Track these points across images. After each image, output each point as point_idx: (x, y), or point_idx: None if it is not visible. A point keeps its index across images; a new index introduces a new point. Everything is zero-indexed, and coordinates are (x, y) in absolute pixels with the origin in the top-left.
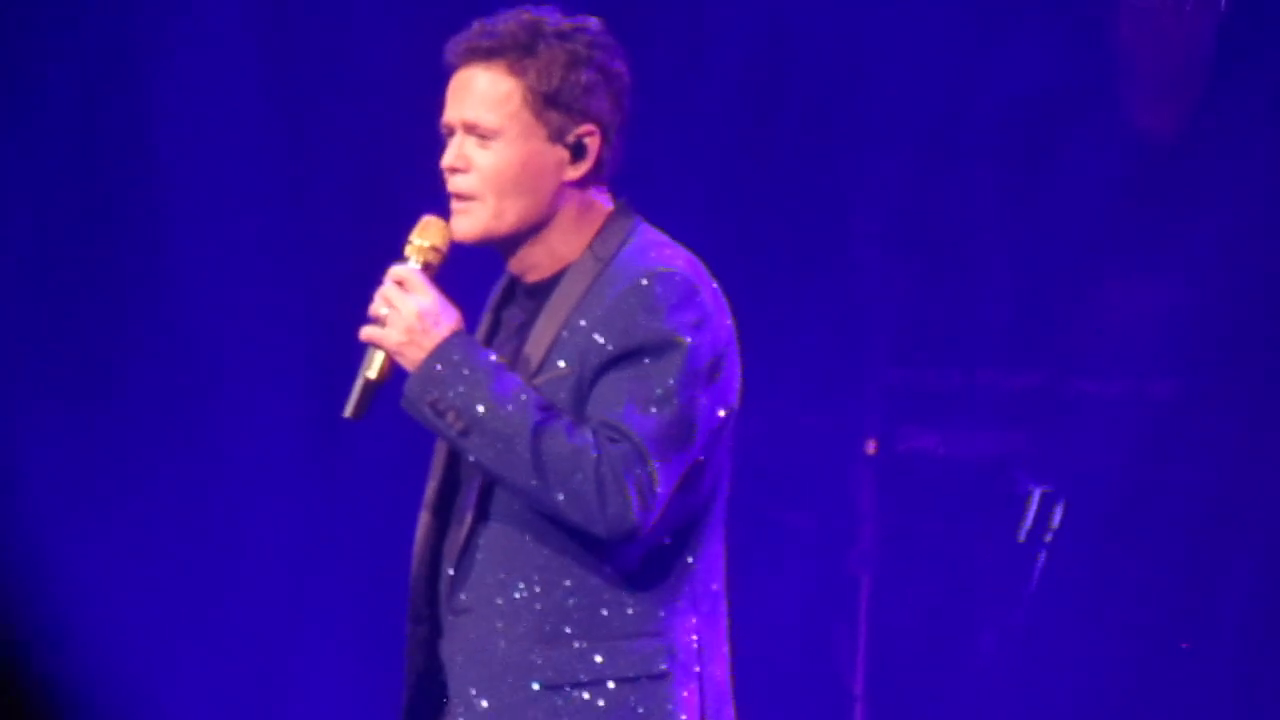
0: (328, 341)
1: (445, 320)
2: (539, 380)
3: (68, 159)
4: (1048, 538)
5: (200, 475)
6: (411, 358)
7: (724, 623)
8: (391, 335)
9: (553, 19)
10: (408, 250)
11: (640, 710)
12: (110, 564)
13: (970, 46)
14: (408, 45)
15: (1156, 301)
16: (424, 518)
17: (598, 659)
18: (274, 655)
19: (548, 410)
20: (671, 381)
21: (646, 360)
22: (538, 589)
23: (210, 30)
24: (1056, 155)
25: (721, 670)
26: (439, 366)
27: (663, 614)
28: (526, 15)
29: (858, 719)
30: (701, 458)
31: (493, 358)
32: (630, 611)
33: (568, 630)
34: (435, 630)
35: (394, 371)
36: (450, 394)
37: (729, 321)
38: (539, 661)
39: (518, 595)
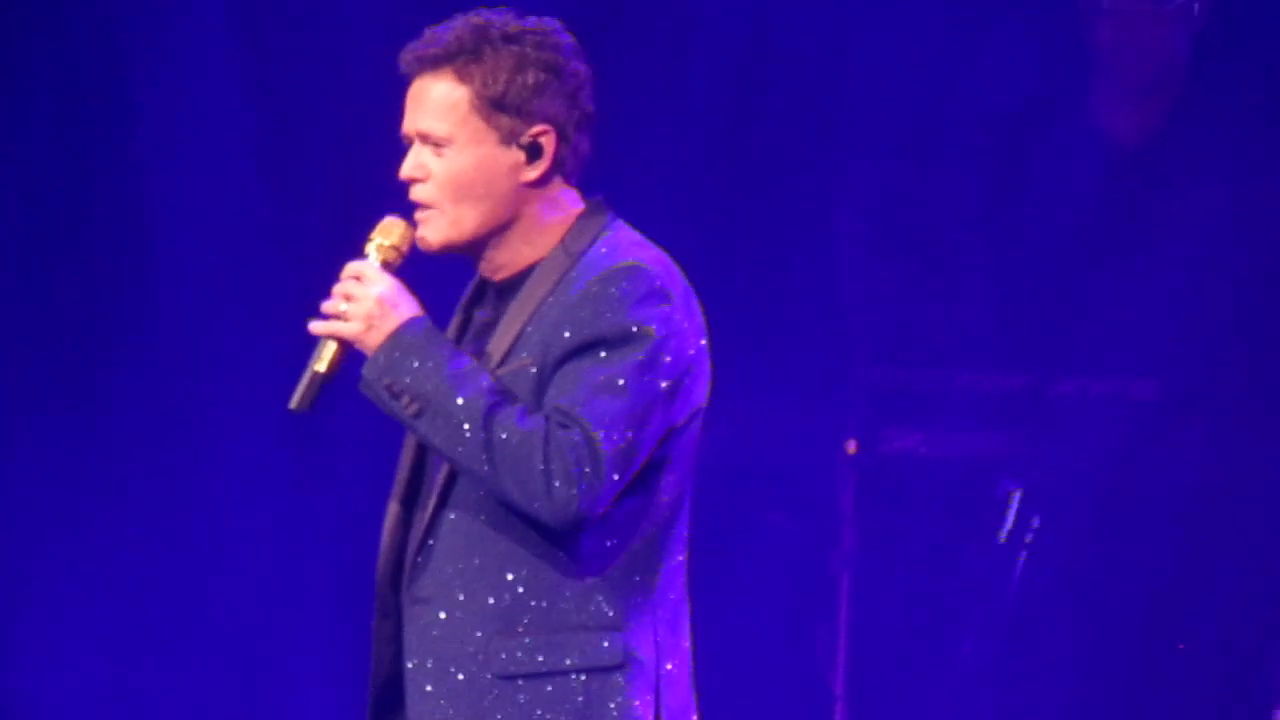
0: (312, 342)
1: (404, 306)
2: (502, 372)
3: (51, 160)
4: (1028, 538)
5: (181, 474)
6: (370, 342)
7: (686, 627)
8: (351, 325)
9: (501, 21)
10: (367, 248)
11: (589, 703)
12: (90, 561)
13: (953, 48)
14: (393, 45)
15: (1138, 303)
16: (392, 508)
17: (551, 650)
18: (253, 654)
19: (501, 395)
20: (627, 371)
21: (605, 351)
22: (494, 579)
23: (194, 31)
24: (1039, 157)
25: (683, 677)
26: (396, 350)
27: (620, 610)
28: (475, 19)
29: (838, 718)
30: (664, 456)
31: (450, 344)
32: (586, 605)
33: (523, 620)
34: (399, 622)
35: (343, 365)
36: (405, 377)
37: (699, 321)
38: (493, 650)
39: (475, 584)
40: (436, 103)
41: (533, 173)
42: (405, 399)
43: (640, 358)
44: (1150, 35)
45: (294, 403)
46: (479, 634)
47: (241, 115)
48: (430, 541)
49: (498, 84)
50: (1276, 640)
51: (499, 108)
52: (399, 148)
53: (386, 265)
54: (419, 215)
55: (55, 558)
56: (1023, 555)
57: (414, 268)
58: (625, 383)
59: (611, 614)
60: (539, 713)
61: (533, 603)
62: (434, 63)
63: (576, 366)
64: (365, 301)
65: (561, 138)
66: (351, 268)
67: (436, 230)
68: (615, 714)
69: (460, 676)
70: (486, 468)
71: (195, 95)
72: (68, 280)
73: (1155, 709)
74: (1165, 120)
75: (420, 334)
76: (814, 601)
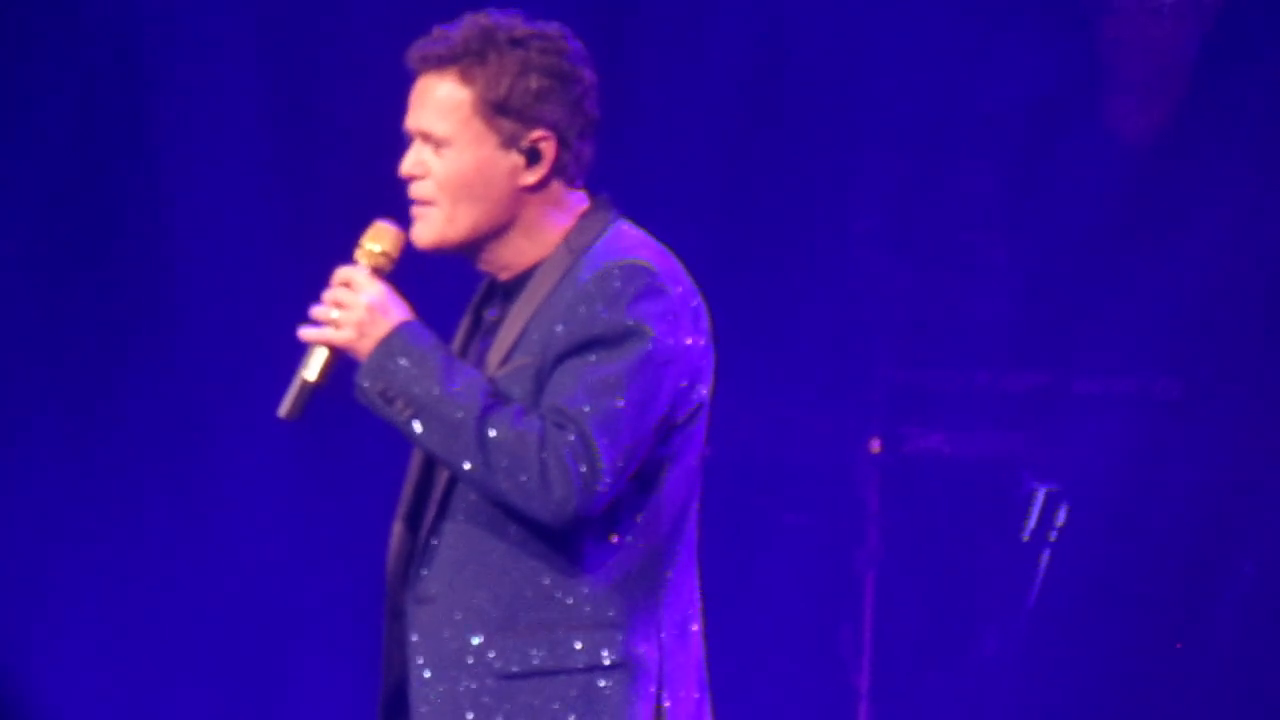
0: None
1: (395, 311)
2: (503, 371)
3: (67, 162)
4: (1052, 537)
5: (195, 479)
6: (362, 349)
7: (695, 626)
8: (342, 333)
9: (508, 25)
10: (357, 254)
11: (590, 702)
12: (105, 564)
13: (971, 46)
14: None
15: (1158, 301)
16: (396, 528)
17: (552, 649)
18: (267, 656)
19: (495, 396)
20: (624, 369)
21: (602, 349)
22: (496, 578)
23: (210, 31)
24: (1058, 155)
25: (690, 676)
26: (388, 356)
27: (622, 609)
28: (483, 21)
29: (862, 716)
30: (665, 454)
31: (443, 347)
32: (587, 604)
33: (524, 620)
34: (406, 624)
35: (333, 374)
36: (398, 381)
37: (701, 319)
38: (494, 649)
39: (476, 584)
40: (439, 103)
41: (531, 177)
42: (399, 404)
43: (637, 356)
44: (1163, 32)
45: (283, 410)
46: (481, 633)
47: (258, 116)
48: (434, 542)
49: (500, 88)
50: None
51: (501, 111)
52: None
53: (377, 271)
54: (415, 211)
55: (70, 561)
56: (1046, 553)
57: (412, 269)
58: (622, 381)
59: (613, 613)
60: (540, 712)
61: (534, 602)
62: (439, 62)
63: (573, 365)
64: (355, 309)
65: (562, 144)
66: (341, 274)
67: (431, 229)
68: (614, 711)
69: (463, 676)
70: (482, 469)
71: (212, 97)
72: (83, 283)
73: (1178, 706)
74: (1182, 117)
75: (412, 338)
76: (838, 600)
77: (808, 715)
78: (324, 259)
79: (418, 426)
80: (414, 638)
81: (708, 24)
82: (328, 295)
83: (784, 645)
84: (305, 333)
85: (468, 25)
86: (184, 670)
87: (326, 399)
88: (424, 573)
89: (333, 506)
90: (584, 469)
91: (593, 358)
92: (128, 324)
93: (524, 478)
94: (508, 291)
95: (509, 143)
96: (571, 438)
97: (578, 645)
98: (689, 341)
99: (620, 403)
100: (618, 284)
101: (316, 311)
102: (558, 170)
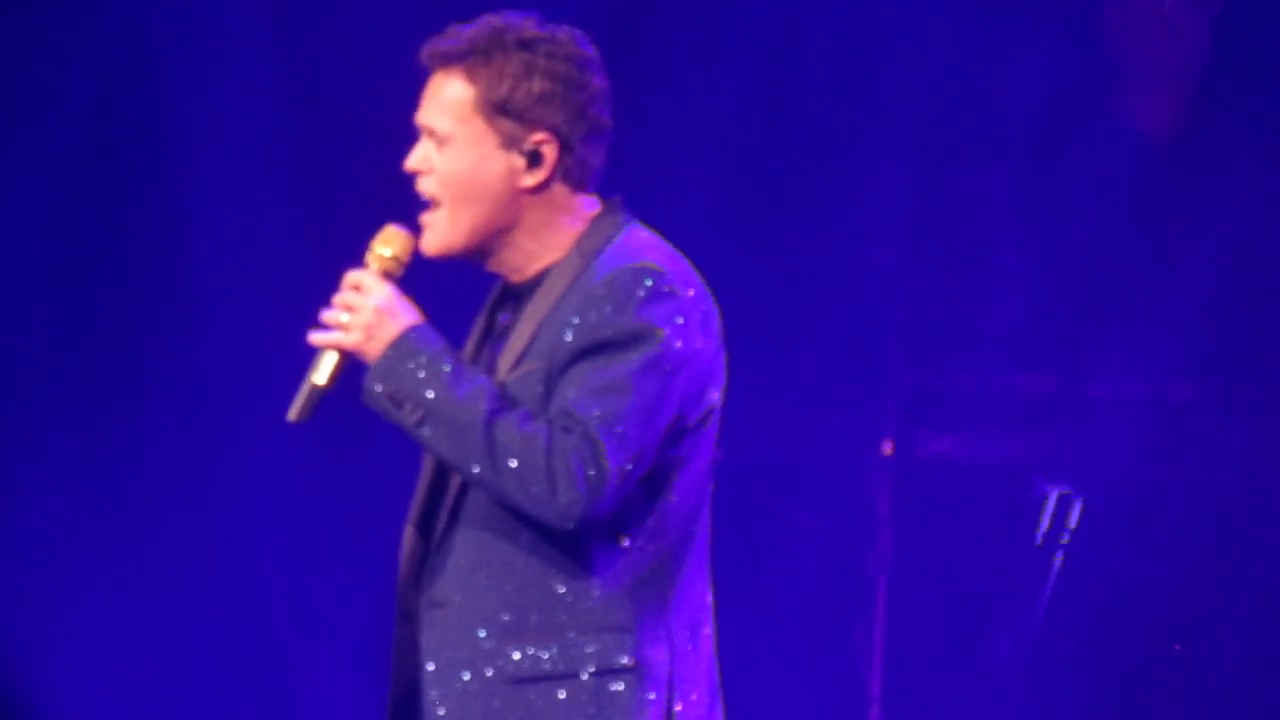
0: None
1: (404, 314)
2: (513, 376)
3: (82, 163)
4: (1064, 540)
5: (206, 483)
6: (370, 352)
7: (706, 630)
8: (351, 336)
9: (519, 27)
10: (368, 258)
11: (600, 706)
12: (116, 568)
13: (985, 47)
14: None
15: (1173, 303)
16: (408, 532)
17: (562, 653)
18: (275, 664)
19: (503, 400)
20: (632, 372)
21: (611, 352)
22: (506, 582)
23: (226, 29)
24: (1072, 157)
25: (700, 680)
26: (396, 359)
27: (632, 613)
28: (496, 22)
29: (874, 718)
30: (675, 458)
31: (451, 350)
32: (597, 608)
33: (534, 624)
34: (417, 628)
35: (341, 378)
36: (407, 385)
37: (713, 323)
38: (504, 653)
39: (487, 587)
40: (443, 100)
41: (531, 179)
42: (407, 407)
43: (646, 359)
44: (1177, 32)
45: (292, 414)
46: (491, 637)
47: (274, 118)
48: (445, 546)
49: (502, 88)
50: None
51: (502, 111)
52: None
53: (387, 275)
54: (423, 218)
55: (83, 563)
56: (1059, 557)
57: (424, 274)
58: (630, 384)
59: (623, 617)
60: (550, 715)
61: (545, 606)
62: (447, 60)
63: (583, 368)
64: (364, 312)
65: (564, 148)
66: (351, 278)
67: (435, 234)
68: (625, 714)
69: (473, 679)
70: (490, 473)
71: (227, 100)
72: (97, 284)
73: (1190, 710)
74: (1196, 119)
75: (420, 342)
76: (850, 603)
77: (819, 717)
78: (338, 263)
79: (425, 430)
80: (425, 641)
81: (721, 25)
82: (337, 299)
83: (795, 648)
84: (314, 337)
85: (480, 25)
86: (196, 673)
87: (340, 403)
88: (435, 577)
89: (345, 510)
90: (590, 472)
91: (601, 361)
92: (141, 326)
93: (530, 481)
94: (519, 295)
95: (509, 144)
96: (578, 441)
97: (588, 649)
98: (699, 345)
99: (628, 406)
100: (627, 287)
101: (326, 315)
102: (560, 174)
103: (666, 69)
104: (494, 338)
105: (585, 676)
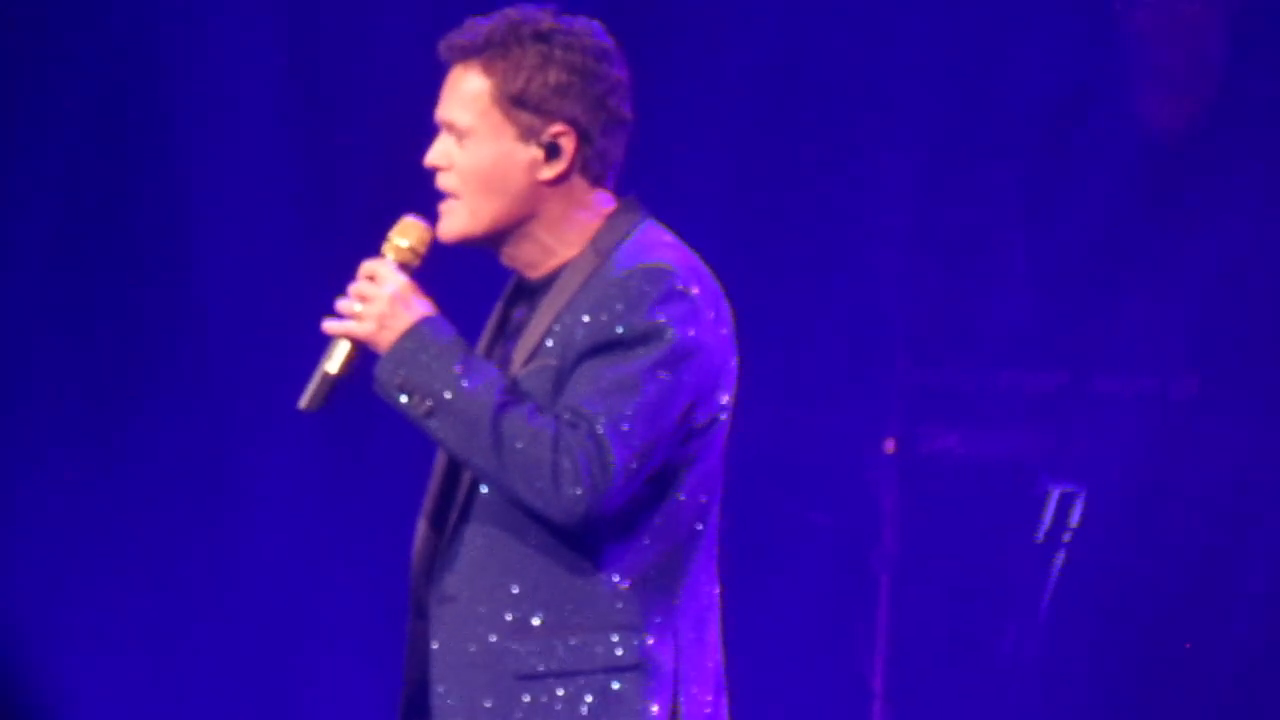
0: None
1: (417, 305)
2: (525, 372)
3: (89, 162)
4: (1067, 537)
5: (217, 478)
6: (382, 342)
7: (714, 629)
8: (364, 325)
9: (535, 19)
10: (384, 249)
11: (605, 703)
12: (126, 562)
13: (988, 44)
14: (431, 41)
15: (1177, 301)
16: (421, 526)
17: (568, 651)
18: (287, 659)
19: (512, 394)
20: (643, 371)
21: (622, 350)
22: (515, 579)
23: (234, 29)
24: (1076, 153)
25: (707, 678)
26: (408, 349)
27: (639, 611)
28: (513, 14)
29: (876, 716)
30: (685, 457)
31: (463, 343)
32: (605, 606)
33: (542, 621)
34: (428, 623)
35: (354, 367)
36: (417, 376)
37: (725, 323)
38: (512, 650)
39: (495, 584)
40: (462, 94)
41: (550, 171)
42: (417, 398)
43: (657, 358)
44: (1189, 23)
45: (304, 402)
46: (499, 633)
47: (283, 113)
48: (456, 542)
49: (519, 80)
50: None
51: (519, 104)
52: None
53: (403, 266)
54: (441, 206)
55: (91, 558)
56: (1061, 553)
57: (440, 268)
58: (639, 382)
59: (630, 615)
60: (556, 712)
61: (552, 603)
62: (464, 53)
63: (593, 365)
64: (378, 301)
65: (583, 139)
66: (366, 267)
67: (454, 222)
68: (630, 712)
69: (480, 675)
70: (496, 467)
71: (236, 96)
72: (104, 281)
73: (1195, 704)
74: (1203, 115)
75: (432, 333)
76: (853, 600)
77: (822, 714)
78: (351, 256)
79: (434, 421)
80: (434, 636)
81: (726, 22)
82: (352, 288)
83: (799, 643)
84: (328, 325)
85: (498, 18)
86: (206, 671)
87: (354, 395)
88: (446, 572)
89: (357, 506)
90: (596, 469)
91: (612, 359)
92: (149, 325)
93: (536, 476)
94: (534, 291)
95: (527, 135)
96: (584, 438)
97: (594, 646)
98: (710, 345)
99: (636, 404)
100: (640, 286)
101: (340, 304)
102: (579, 167)
103: (672, 66)
104: (508, 333)
105: (592, 674)
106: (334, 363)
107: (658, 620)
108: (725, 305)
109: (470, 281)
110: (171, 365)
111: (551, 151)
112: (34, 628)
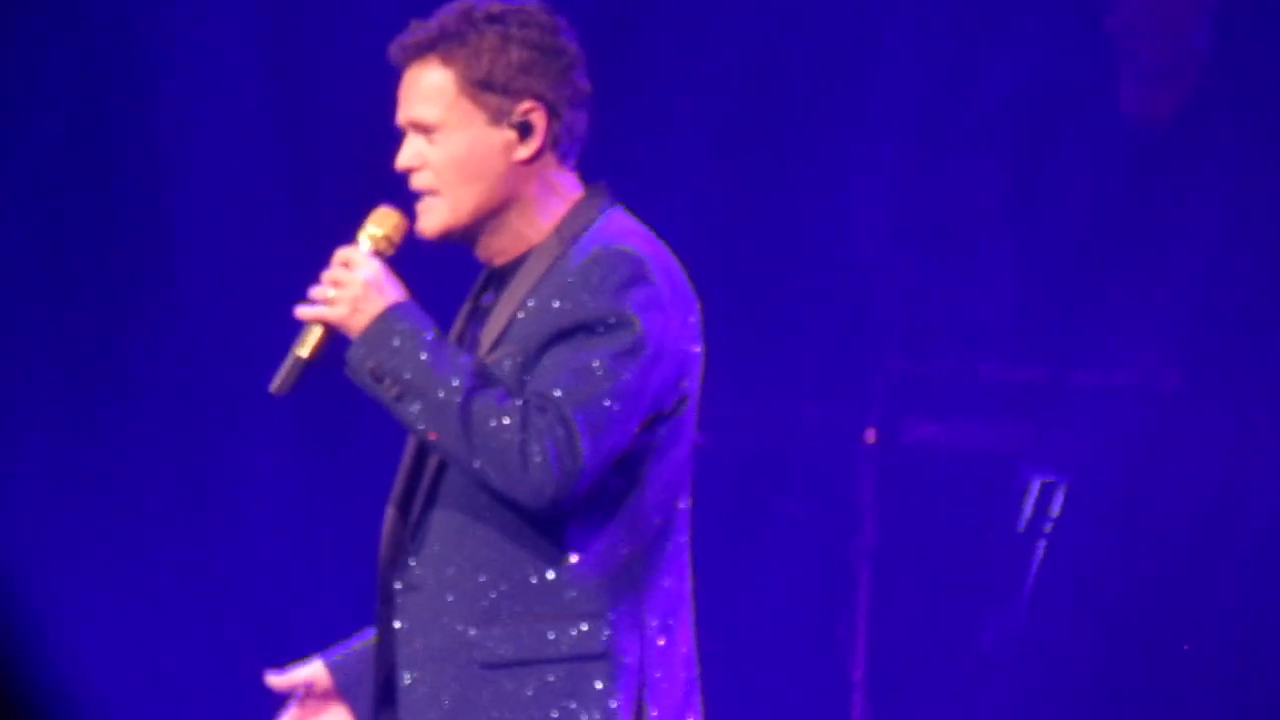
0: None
1: (390, 290)
2: (491, 358)
3: (69, 157)
4: (1048, 528)
5: (201, 470)
6: (354, 326)
7: (684, 618)
8: (337, 309)
9: (485, 5)
10: (359, 236)
11: (570, 691)
12: (105, 560)
13: (973, 35)
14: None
15: (1160, 293)
16: (389, 512)
17: (534, 639)
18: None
19: (482, 378)
20: (606, 356)
21: (586, 336)
22: (481, 567)
23: (213, 26)
24: (1060, 146)
25: (675, 666)
26: (378, 334)
27: (604, 600)
28: (460, 5)
29: (857, 707)
30: (650, 443)
31: (434, 328)
32: (569, 594)
33: (508, 609)
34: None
35: (325, 352)
36: (387, 361)
37: (690, 310)
38: (478, 638)
39: (462, 572)
40: (424, 89)
41: (525, 150)
42: (387, 382)
43: (620, 343)
44: (1170, 20)
45: (275, 385)
46: (465, 621)
47: (262, 109)
48: (422, 529)
49: (482, 64)
50: None
51: (485, 87)
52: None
53: (378, 254)
54: (419, 205)
55: (72, 553)
56: (1042, 545)
57: (416, 260)
58: (604, 367)
59: (596, 606)
60: (521, 700)
61: (517, 592)
62: (419, 50)
63: (558, 351)
64: (351, 286)
65: (552, 114)
66: (340, 254)
67: (436, 217)
68: (594, 702)
69: (446, 663)
70: (465, 450)
71: (215, 92)
72: (86, 277)
73: (1174, 700)
74: (1186, 109)
75: (404, 318)
76: (834, 591)
77: (802, 706)
78: (333, 247)
79: (403, 405)
80: (400, 624)
81: (708, 17)
82: (326, 274)
83: (779, 635)
84: (301, 310)
85: (445, 11)
86: (187, 653)
87: (335, 382)
88: (411, 560)
89: (338, 492)
90: (564, 453)
91: (577, 344)
92: (132, 317)
93: (504, 460)
94: (501, 277)
95: (498, 118)
96: (553, 422)
97: (560, 636)
98: (675, 330)
99: (602, 388)
100: (604, 271)
101: (314, 290)
102: (551, 142)
103: (652, 60)
104: (477, 319)
105: (556, 662)
106: (305, 347)
107: (624, 612)
108: (690, 291)
109: (447, 272)
110: (153, 355)
111: (524, 130)
112: (16, 619)
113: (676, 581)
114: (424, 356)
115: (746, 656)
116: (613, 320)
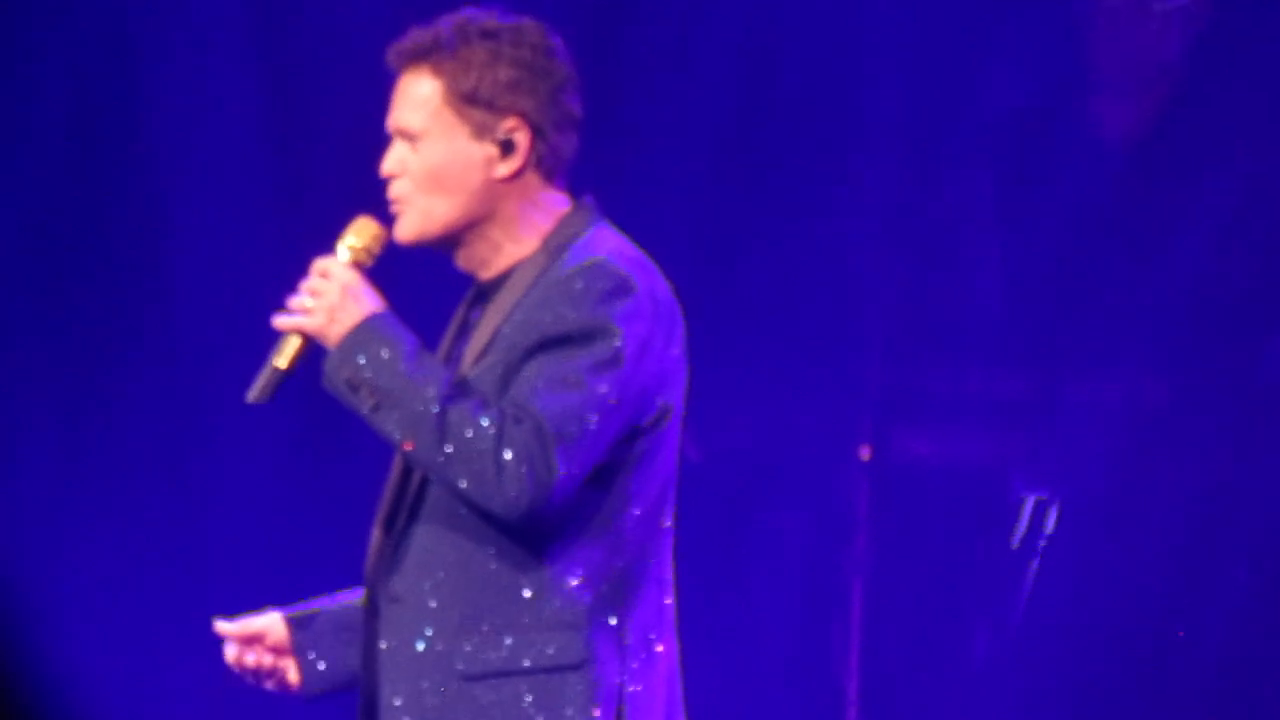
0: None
1: (367, 301)
2: (475, 371)
3: (60, 159)
4: (1042, 543)
5: (188, 477)
6: (332, 335)
7: (667, 629)
8: (314, 319)
9: (482, 19)
10: (338, 247)
11: (547, 703)
12: (98, 566)
13: (962, 47)
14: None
15: (1149, 304)
16: (375, 534)
17: (512, 650)
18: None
19: (459, 389)
20: (585, 367)
21: (566, 347)
22: (459, 578)
23: (205, 27)
24: (1049, 157)
25: (656, 678)
26: (355, 344)
27: (582, 611)
28: (459, 17)
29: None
30: (630, 455)
31: (412, 338)
32: (548, 606)
33: (486, 620)
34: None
35: (303, 362)
36: (364, 371)
37: (673, 322)
38: (457, 650)
39: (442, 584)
40: (412, 97)
41: (506, 168)
42: (363, 392)
43: (599, 355)
44: (1150, 35)
45: (252, 395)
46: (444, 634)
47: (252, 114)
48: (404, 543)
49: (469, 78)
50: None
51: (470, 101)
52: None
53: (356, 265)
54: (394, 210)
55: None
56: (1036, 559)
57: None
58: (582, 378)
59: (573, 615)
60: (499, 712)
61: (496, 604)
62: (413, 58)
63: (538, 362)
64: (329, 296)
65: (537, 134)
66: (319, 264)
67: (410, 224)
68: (575, 714)
69: (425, 675)
70: (440, 460)
71: (205, 96)
72: (79, 280)
73: (1167, 711)
74: (1170, 120)
75: (381, 328)
76: (827, 605)
77: (795, 719)
78: (321, 251)
79: (379, 415)
80: (384, 637)
81: (700, 24)
82: (304, 284)
83: (772, 648)
84: (278, 319)
85: (443, 22)
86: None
87: (323, 398)
88: (394, 573)
89: (336, 494)
90: (539, 464)
91: (556, 356)
92: (121, 321)
93: (480, 470)
94: (487, 292)
95: (481, 133)
96: (529, 433)
97: (540, 648)
98: (657, 342)
99: (579, 401)
100: (586, 283)
101: (292, 300)
102: (534, 163)
103: (644, 67)
104: (463, 335)
105: (534, 674)
106: (283, 358)
107: (604, 624)
108: (675, 305)
109: (429, 283)
110: (142, 358)
111: (506, 148)
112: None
113: (657, 599)
114: (401, 367)
115: (739, 669)
116: (593, 332)
